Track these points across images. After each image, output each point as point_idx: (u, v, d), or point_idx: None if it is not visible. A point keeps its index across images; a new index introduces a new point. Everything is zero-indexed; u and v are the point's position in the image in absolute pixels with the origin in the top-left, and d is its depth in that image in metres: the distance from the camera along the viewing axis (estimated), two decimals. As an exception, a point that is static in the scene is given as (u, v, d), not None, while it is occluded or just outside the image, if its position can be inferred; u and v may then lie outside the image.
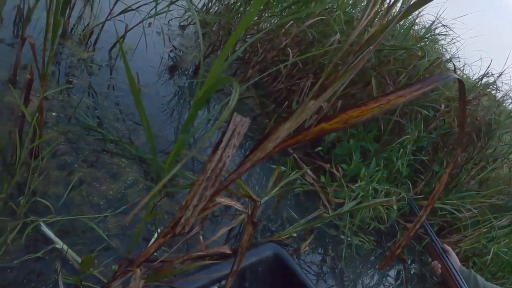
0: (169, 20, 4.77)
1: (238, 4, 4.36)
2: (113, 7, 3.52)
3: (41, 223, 1.89)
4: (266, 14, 4.36)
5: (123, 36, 3.48)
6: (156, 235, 2.10)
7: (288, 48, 3.97)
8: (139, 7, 3.51)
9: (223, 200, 0.98)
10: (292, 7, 4.17)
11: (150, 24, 4.04)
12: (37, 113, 1.96)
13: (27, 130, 2.07)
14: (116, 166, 2.39)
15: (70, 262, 1.84)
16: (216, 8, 4.91)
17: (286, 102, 4.07)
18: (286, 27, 4.11)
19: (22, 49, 2.55)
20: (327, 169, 3.53)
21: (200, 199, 0.72)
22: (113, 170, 2.36)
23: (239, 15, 4.29)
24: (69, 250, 1.84)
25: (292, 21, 4.02)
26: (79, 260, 1.84)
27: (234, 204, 1.05)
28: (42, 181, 2.08)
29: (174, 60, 4.12)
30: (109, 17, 3.48)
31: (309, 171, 3.44)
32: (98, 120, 2.70)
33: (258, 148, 0.74)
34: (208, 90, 0.85)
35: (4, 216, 1.88)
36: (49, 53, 1.89)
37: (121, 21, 3.47)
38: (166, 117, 3.19)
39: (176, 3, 3.55)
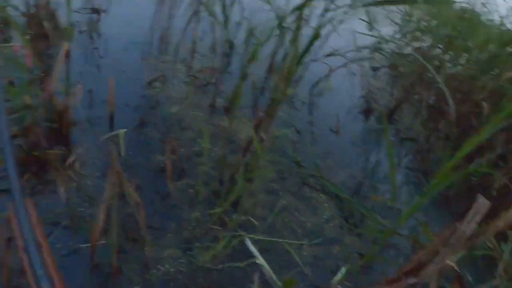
0: (362, 61, 4.91)
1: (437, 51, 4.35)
2: (317, 49, 3.81)
3: (247, 239, 2.15)
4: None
5: (327, 76, 3.73)
6: (343, 269, 2.21)
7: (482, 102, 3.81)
8: (345, 52, 3.75)
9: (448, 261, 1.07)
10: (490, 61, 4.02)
11: (346, 65, 4.23)
12: (258, 144, 2.26)
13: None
14: (315, 200, 2.57)
15: (266, 278, 2.05)
16: (408, 51, 4.93)
17: (477, 158, 3.90)
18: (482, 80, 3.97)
19: (242, 81, 2.93)
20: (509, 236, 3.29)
21: (440, 259, 0.82)
22: (312, 203, 2.54)
23: (436, 60, 4.27)
24: (268, 267, 2.06)
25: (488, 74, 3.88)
26: (275, 277, 2.03)
27: (449, 262, 1.12)
28: (252, 202, 2.36)
29: (368, 102, 4.23)
30: (313, 58, 3.76)
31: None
32: (299, 154, 2.94)
33: (501, 217, 0.83)
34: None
35: (217, 226, 2.20)
36: (279, 96, 2.18)
37: (325, 63, 3.73)
38: (356, 157, 3.30)
39: (366, 43, 3.69)
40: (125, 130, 2.49)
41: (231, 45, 3.49)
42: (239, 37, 3.51)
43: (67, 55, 2.25)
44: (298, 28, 2.23)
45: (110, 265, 1.86)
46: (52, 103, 2.46)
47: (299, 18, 2.24)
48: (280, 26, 2.57)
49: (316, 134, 3.31)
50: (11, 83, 2.67)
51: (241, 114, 3.15)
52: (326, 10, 2.35)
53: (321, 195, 2.63)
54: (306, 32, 3.59)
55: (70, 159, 2.39)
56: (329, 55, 3.87)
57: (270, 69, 3.91)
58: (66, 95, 2.38)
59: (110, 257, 1.90)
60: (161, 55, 3.94)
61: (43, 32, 3.81)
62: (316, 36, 1.97)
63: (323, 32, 2.55)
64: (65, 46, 2.22)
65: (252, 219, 2.23)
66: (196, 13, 3.47)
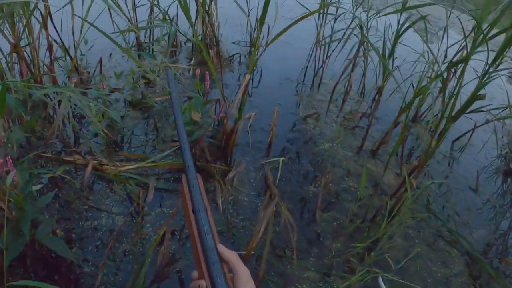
0: (505, 119, 4.77)
1: None
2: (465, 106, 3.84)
3: (380, 276, 2.30)
4: None
5: (472, 132, 3.80)
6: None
7: None
8: (490, 110, 3.76)
9: None
10: None
11: (489, 121, 4.17)
12: (409, 191, 2.41)
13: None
14: (448, 253, 2.62)
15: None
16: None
17: None
18: None
19: (392, 129, 3.11)
20: None
21: None
22: (445, 256, 2.60)
23: None
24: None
25: None
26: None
27: None
28: (389, 243, 2.52)
29: (508, 162, 4.12)
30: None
31: None
32: (437, 206, 3.03)
33: None
34: None
35: (355, 259, 2.38)
36: (432, 151, 2.33)
37: (470, 118, 3.78)
38: (491, 216, 3.21)
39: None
40: (283, 158, 2.78)
41: (380, 92, 3.69)
42: (391, 86, 3.68)
43: (247, 85, 2.59)
44: (458, 84, 2.35)
45: (255, 274, 2.12)
46: (223, 124, 2.83)
47: (459, 76, 2.36)
48: (434, 80, 2.69)
49: (454, 189, 3.36)
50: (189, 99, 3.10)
51: (385, 158, 3.33)
52: (485, 74, 2.44)
53: (453, 250, 2.69)
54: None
55: (231, 175, 2.72)
56: (474, 110, 3.90)
57: (415, 119, 4.05)
58: (238, 119, 2.72)
59: (255, 267, 2.18)
60: (314, 93, 4.26)
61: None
62: (479, 97, 2.09)
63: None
64: (247, 77, 2.56)
65: (388, 259, 2.38)
66: (352, 60, 3.72)
